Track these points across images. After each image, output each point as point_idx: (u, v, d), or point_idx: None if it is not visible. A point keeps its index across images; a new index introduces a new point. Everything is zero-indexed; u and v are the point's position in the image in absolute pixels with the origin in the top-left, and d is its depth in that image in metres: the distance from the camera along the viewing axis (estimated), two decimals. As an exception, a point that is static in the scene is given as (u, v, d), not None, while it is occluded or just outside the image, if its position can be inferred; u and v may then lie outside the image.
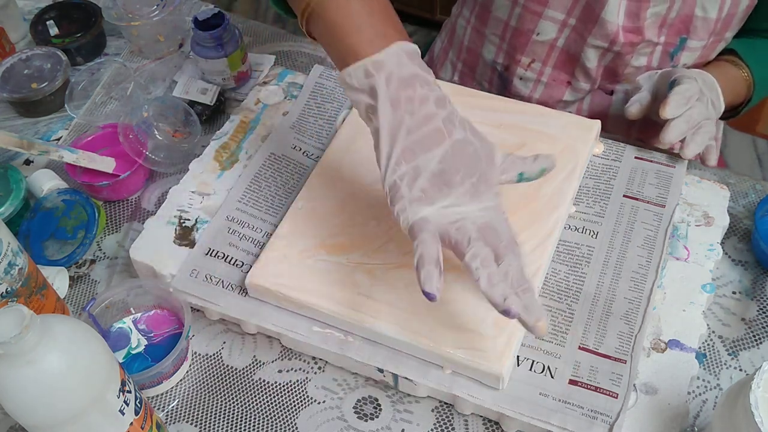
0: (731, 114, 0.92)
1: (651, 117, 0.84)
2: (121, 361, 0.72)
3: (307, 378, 0.73)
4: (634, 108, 0.82)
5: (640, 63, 0.88)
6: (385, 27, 0.63)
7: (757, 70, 0.87)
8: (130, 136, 0.85)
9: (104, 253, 0.84)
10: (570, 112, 0.93)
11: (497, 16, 0.91)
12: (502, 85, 0.97)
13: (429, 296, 0.58)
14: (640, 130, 0.94)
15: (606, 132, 0.84)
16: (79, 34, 1.01)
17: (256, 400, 0.72)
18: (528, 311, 0.58)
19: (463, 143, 0.61)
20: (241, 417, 0.71)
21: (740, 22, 0.87)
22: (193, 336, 0.76)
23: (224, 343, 0.76)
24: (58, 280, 0.80)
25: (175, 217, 0.79)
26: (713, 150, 0.81)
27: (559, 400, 0.66)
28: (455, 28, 1.02)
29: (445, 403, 0.71)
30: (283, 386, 0.73)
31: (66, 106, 0.95)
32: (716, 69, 0.87)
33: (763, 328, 0.74)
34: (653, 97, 0.84)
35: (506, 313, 0.58)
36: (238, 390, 0.73)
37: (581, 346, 0.69)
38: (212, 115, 0.95)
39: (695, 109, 0.77)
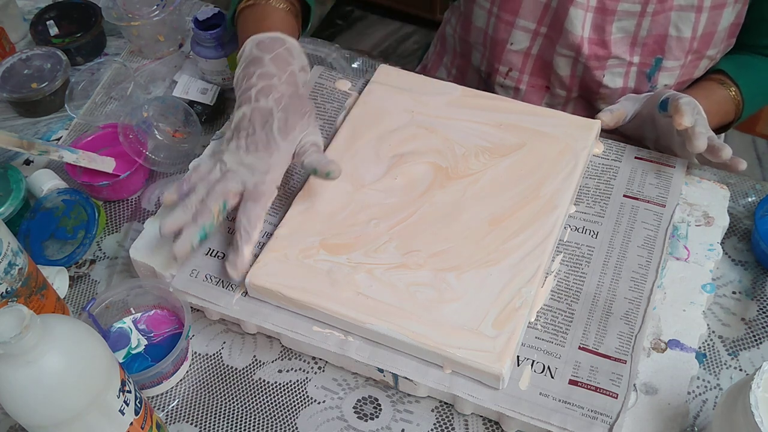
0: (719, 132, 0.92)
1: (625, 132, 0.85)
2: (121, 361, 0.72)
3: (307, 378, 0.73)
4: (604, 114, 0.81)
5: (616, 84, 0.88)
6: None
7: (746, 88, 0.87)
8: (130, 136, 0.85)
9: (104, 253, 0.84)
10: None
11: (477, 26, 0.93)
12: (487, 90, 0.97)
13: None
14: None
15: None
16: (79, 34, 1.01)
17: (256, 400, 0.72)
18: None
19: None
20: (241, 417, 0.71)
21: (725, 41, 0.86)
22: (193, 336, 0.76)
23: (224, 343, 0.76)
24: (58, 280, 0.80)
25: (175, 217, 0.79)
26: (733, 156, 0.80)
27: (559, 400, 0.66)
28: (445, 35, 1.04)
29: (445, 403, 0.71)
30: (283, 386, 0.73)
31: (66, 106, 0.95)
32: (702, 90, 0.86)
33: (763, 328, 0.74)
34: (633, 118, 0.83)
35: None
36: (238, 390, 0.73)
37: (581, 346, 0.69)
38: (212, 115, 0.95)
39: (700, 119, 0.76)
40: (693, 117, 0.74)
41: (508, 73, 0.92)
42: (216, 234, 0.77)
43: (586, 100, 0.92)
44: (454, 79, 1.04)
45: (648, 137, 0.83)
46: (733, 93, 0.87)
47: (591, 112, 0.92)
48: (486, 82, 0.97)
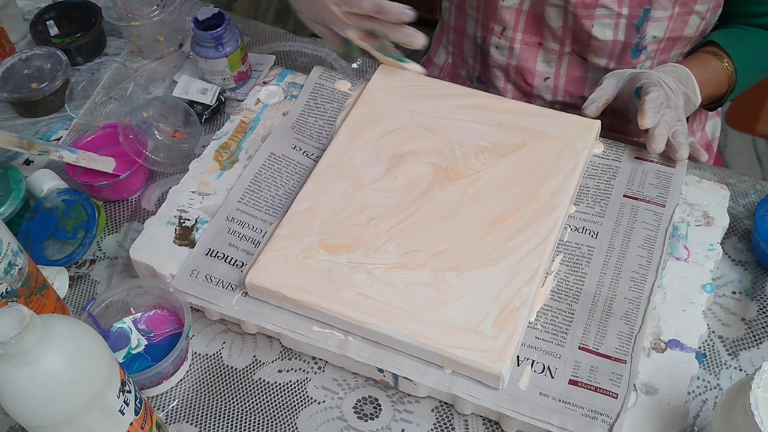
0: (715, 105, 0.93)
1: (615, 108, 0.86)
2: (121, 361, 0.72)
3: (307, 378, 0.73)
4: (590, 109, 0.83)
5: (606, 36, 0.89)
6: None
7: (738, 60, 0.88)
8: (130, 136, 0.85)
9: (104, 253, 0.84)
10: (548, 78, 0.95)
11: None
12: (483, 58, 1.00)
13: None
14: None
15: (583, 99, 0.85)
16: (79, 34, 1.01)
17: (256, 400, 0.72)
18: None
19: None
20: (241, 417, 0.71)
21: None
22: (193, 336, 0.76)
23: (224, 343, 0.76)
24: (58, 280, 0.80)
25: (175, 217, 0.79)
26: (695, 147, 0.82)
27: (559, 400, 0.66)
28: (442, 14, 1.05)
29: (445, 403, 0.71)
30: (283, 386, 0.73)
31: (66, 106, 0.95)
32: (696, 62, 0.88)
33: (763, 328, 0.74)
34: (617, 96, 0.85)
35: None
36: (238, 390, 0.73)
37: (581, 346, 0.69)
38: (212, 115, 0.95)
39: (667, 115, 0.79)
40: (655, 117, 0.77)
41: (502, 33, 0.94)
42: (216, 235, 0.77)
43: (580, 55, 0.93)
44: (453, 56, 1.06)
45: (631, 114, 0.83)
46: (726, 65, 0.88)
47: (585, 68, 0.94)
48: (482, 49, 0.99)
